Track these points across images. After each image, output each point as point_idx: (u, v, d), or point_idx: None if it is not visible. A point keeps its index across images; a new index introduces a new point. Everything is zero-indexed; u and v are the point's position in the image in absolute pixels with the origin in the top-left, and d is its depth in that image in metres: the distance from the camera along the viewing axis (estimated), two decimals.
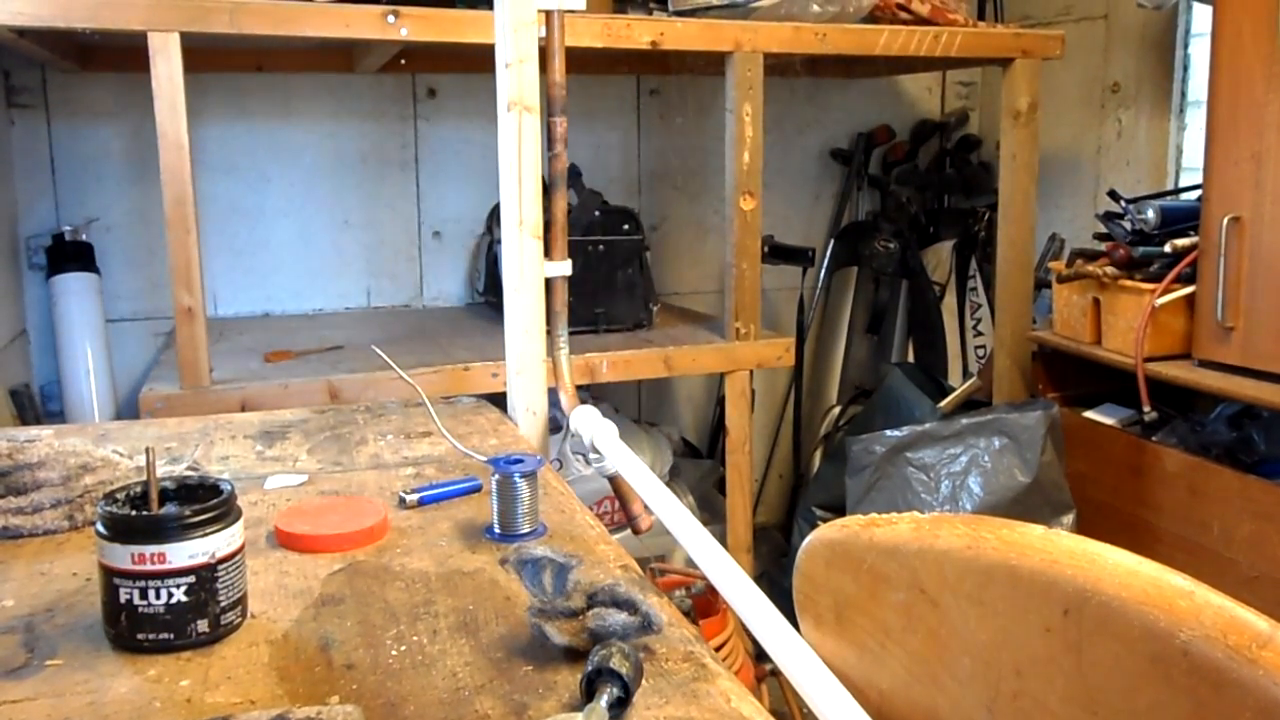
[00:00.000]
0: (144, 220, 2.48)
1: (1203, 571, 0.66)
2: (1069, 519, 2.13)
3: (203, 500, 0.79)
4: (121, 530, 0.75)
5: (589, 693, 0.67)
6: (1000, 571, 0.66)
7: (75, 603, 0.84)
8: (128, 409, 2.43)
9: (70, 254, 2.39)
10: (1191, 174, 2.60)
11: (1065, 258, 2.43)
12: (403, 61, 2.47)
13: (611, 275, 2.37)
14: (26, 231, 2.44)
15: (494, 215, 2.61)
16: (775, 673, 2.06)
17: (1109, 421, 2.23)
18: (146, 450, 0.79)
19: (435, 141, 2.74)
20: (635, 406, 3.05)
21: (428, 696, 0.70)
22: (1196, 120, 2.58)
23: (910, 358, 3.10)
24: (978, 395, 2.54)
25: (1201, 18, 2.53)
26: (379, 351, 1.38)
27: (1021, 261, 2.51)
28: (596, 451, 1.27)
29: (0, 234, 2.32)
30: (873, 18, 2.33)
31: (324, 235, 2.67)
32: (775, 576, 2.73)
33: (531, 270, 1.34)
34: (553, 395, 1.41)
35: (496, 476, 0.97)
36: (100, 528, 0.76)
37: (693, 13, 2.17)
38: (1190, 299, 2.04)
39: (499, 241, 2.43)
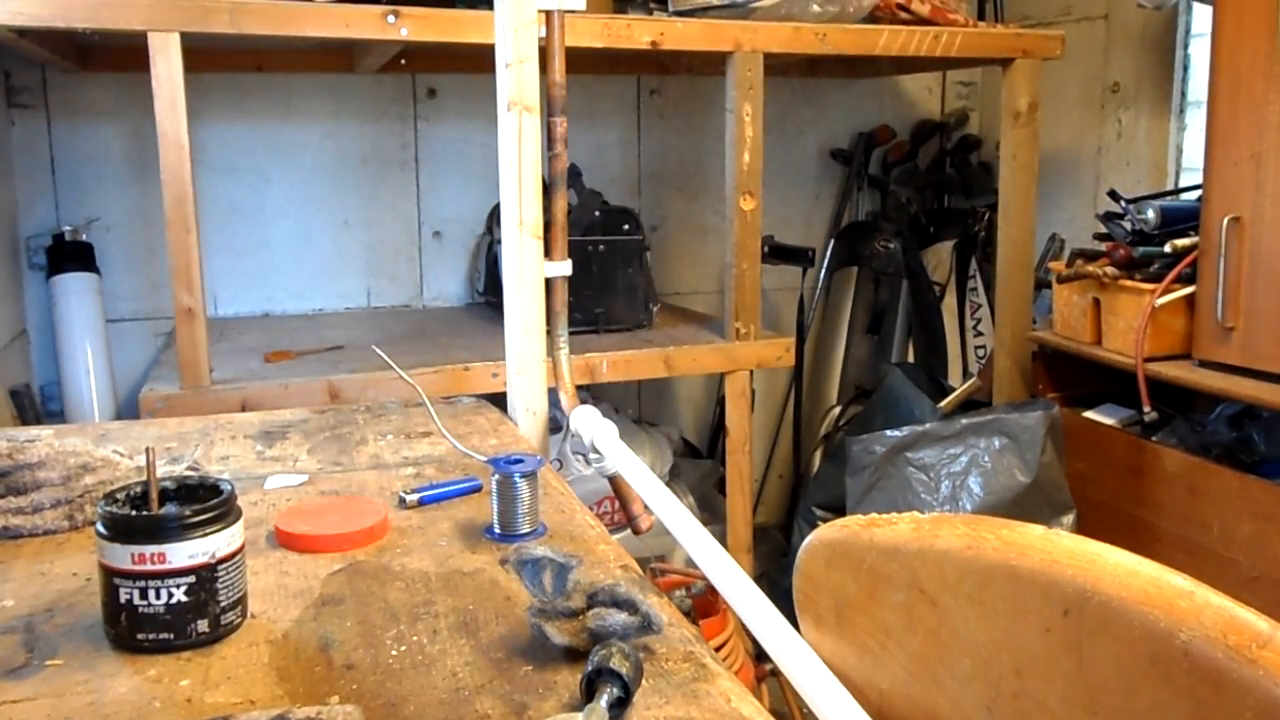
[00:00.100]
0: (144, 220, 2.48)
1: (1203, 571, 0.66)
2: (1069, 519, 2.13)
3: (203, 500, 0.79)
4: (121, 530, 0.75)
5: (589, 693, 0.67)
6: (1000, 571, 0.66)
7: (75, 603, 0.84)
8: (128, 409, 2.43)
9: (70, 254, 2.39)
10: (1191, 174, 2.60)
11: (1065, 258, 2.43)
12: (403, 61, 2.47)
13: (611, 275, 2.37)
14: (26, 231, 2.44)
15: (494, 215, 2.61)
16: (775, 673, 2.06)
17: (1109, 421, 2.23)
18: (146, 450, 0.79)
19: (435, 141, 2.74)
20: (635, 406, 3.05)
21: (428, 696, 0.70)
22: (1196, 120, 2.58)
23: (910, 358, 3.10)
24: (978, 395, 2.54)
25: (1201, 18, 2.53)
26: (379, 351, 1.38)
27: (1021, 261, 2.51)
28: (596, 451, 1.27)
29: (0, 234, 2.32)
30: (873, 18, 2.33)
31: (324, 235, 2.67)
32: (775, 576, 2.73)
33: (531, 270, 1.34)
34: (553, 395, 1.41)
35: (496, 476, 0.97)
36: (100, 528, 0.76)
37: (693, 13, 2.17)
38: (1190, 299, 2.04)
39: (499, 241, 2.43)
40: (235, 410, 1.78)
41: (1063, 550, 0.64)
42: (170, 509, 0.78)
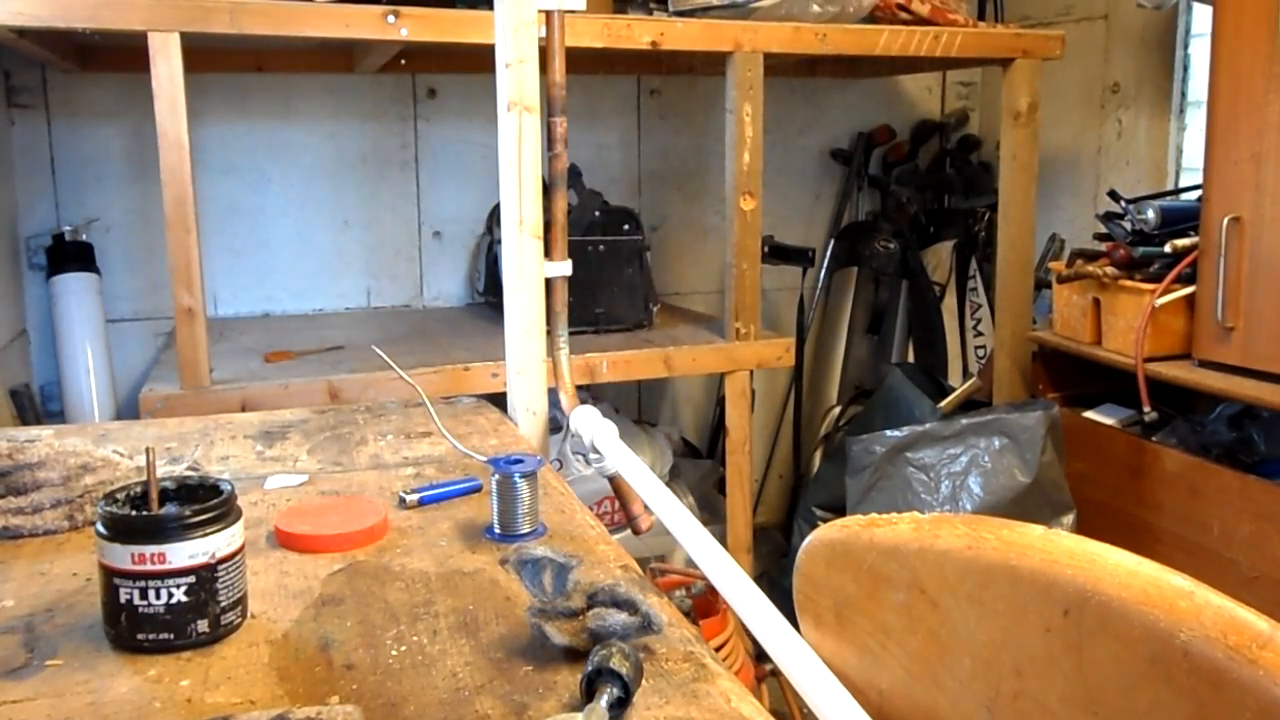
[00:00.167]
0: (144, 220, 2.48)
1: (1203, 571, 0.66)
2: (1069, 519, 2.13)
3: (203, 500, 0.79)
4: (121, 530, 0.75)
5: (589, 693, 0.67)
6: (1000, 572, 0.66)
7: (75, 603, 0.84)
8: (128, 409, 2.43)
9: (70, 254, 2.39)
10: (1191, 174, 2.60)
11: (1065, 258, 2.43)
12: (403, 61, 2.47)
13: (611, 275, 2.37)
14: (26, 231, 2.44)
15: (494, 215, 2.61)
16: (775, 673, 2.06)
17: (1109, 421, 2.23)
18: (146, 450, 0.79)
19: (435, 141, 2.74)
20: (635, 406, 3.05)
21: (428, 697, 0.70)
22: (1196, 120, 2.58)
23: (910, 358, 3.10)
24: (978, 395, 2.54)
25: (1201, 18, 2.53)
26: (379, 352, 1.38)
27: (1021, 261, 2.51)
28: (596, 451, 1.27)
29: (0, 234, 2.32)
30: (873, 18, 2.33)
31: (324, 235, 2.67)
32: (775, 576, 2.73)
33: (531, 270, 1.34)
34: (553, 395, 1.41)
35: (496, 476, 0.97)
36: (100, 528, 0.76)
37: (693, 13, 2.17)
38: (1190, 299, 2.04)
39: (499, 241, 2.43)
40: (235, 410, 1.78)
41: (1063, 550, 0.64)
42: (170, 509, 0.78)
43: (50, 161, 2.44)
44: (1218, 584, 0.58)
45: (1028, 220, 2.49)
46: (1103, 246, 2.23)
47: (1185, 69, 2.62)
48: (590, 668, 0.67)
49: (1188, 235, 2.07)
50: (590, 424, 1.30)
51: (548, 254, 1.39)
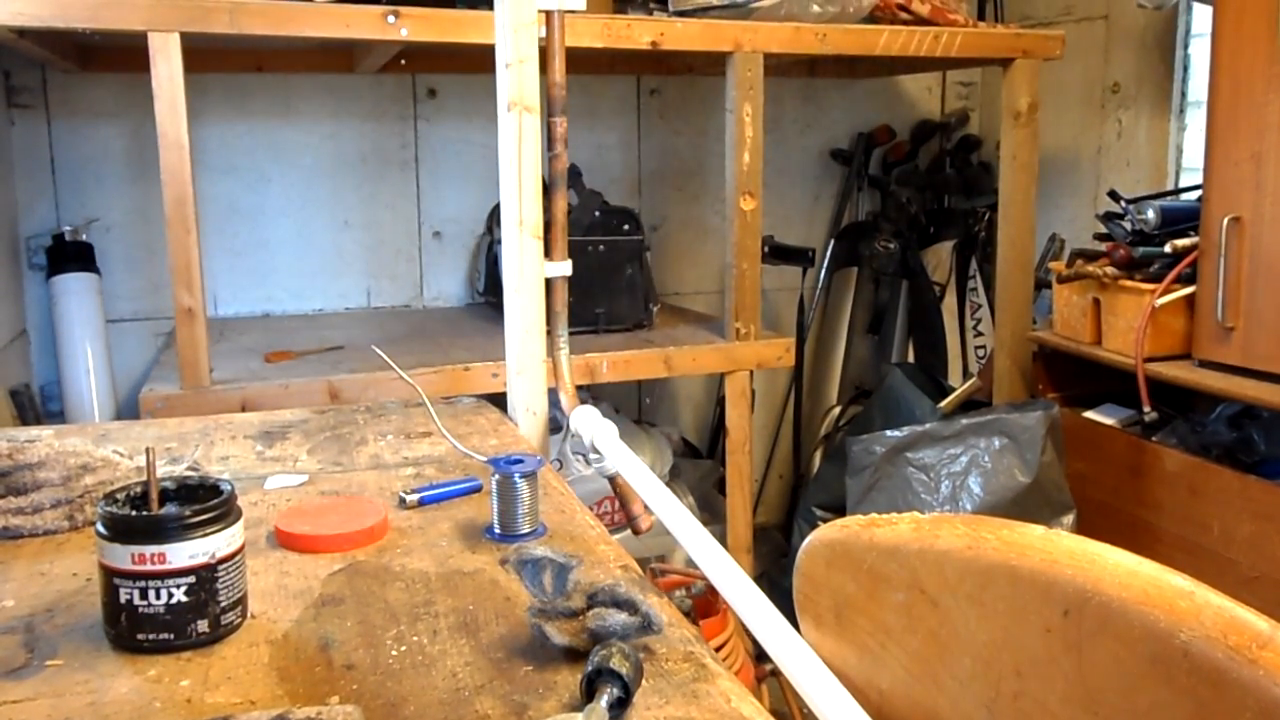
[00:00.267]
0: (144, 220, 2.48)
1: (1203, 571, 0.66)
2: (1069, 519, 2.13)
3: (203, 500, 0.79)
4: (121, 530, 0.75)
5: (589, 693, 0.67)
6: (1000, 572, 0.66)
7: (75, 603, 0.84)
8: (128, 409, 2.43)
9: (70, 254, 2.39)
10: (1191, 174, 2.60)
11: (1065, 258, 2.43)
12: (403, 62, 2.47)
13: (611, 275, 2.37)
14: (26, 231, 2.44)
15: (494, 215, 2.61)
16: (775, 673, 2.06)
17: (1109, 422, 2.23)
18: (146, 450, 0.79)
19: (435, 141, 2.74)
20: (635, 406, 3.05)
21: (428, 697, 0.70)
22: (1196, 120, 2.58)
23: (910, 358, 3.10)
24: (978, 395, 2.54)
25: (1201, 18, 2.53)
26: (379, 352, 1.38)
27: (1021, 261, 2.51)
28: (596, 451, 1.27)
29: (0, 234, 2.32)
30: (873, 18, 2.33)
31: (324, 235, 2.67)
32: (775, 576, 2.73)
33: (531, 270, 1.34)
34: (553, 395, 1.41)
35: (496, 476, 0.97)
36: (100, 528, 0.76)
37: (693, 13, 2.17)
38: (1190, 299, 2.04)
39: (499, 241, 2.43)
40: (235, 410, 1.78)
41: (1063, 550, 0.64)
42: (170, 509, 0.78)
43: (50, 161, 2.44)
44: (1218, 584, 0.58)
45: (1028, 220, 2.49)
46: (1103, 246, 2.23)
47: (1185, 69, 2.62)
48: (590, 668, 0.67)
49: (1188, 235, 2.07)
50: (590, 424, 1.30)
51: (548, 254, 1.39)
